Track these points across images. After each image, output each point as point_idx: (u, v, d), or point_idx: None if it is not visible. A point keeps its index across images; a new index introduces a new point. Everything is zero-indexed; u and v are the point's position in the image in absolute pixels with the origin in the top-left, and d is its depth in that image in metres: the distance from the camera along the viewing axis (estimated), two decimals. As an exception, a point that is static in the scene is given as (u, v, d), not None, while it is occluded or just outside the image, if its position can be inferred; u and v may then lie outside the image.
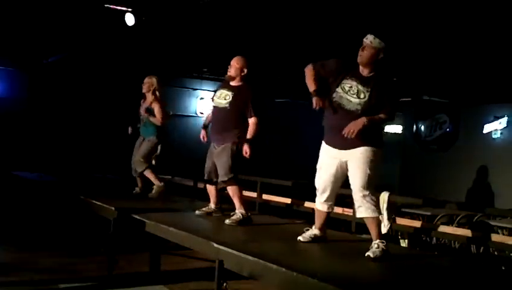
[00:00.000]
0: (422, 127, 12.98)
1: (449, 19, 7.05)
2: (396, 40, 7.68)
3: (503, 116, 11.28)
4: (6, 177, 9.67)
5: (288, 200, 7.88)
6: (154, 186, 7.17)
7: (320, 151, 4.56)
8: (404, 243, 6.84)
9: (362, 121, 4.14)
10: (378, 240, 4.18)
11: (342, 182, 4.49)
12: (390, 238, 6.12)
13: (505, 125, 11.28)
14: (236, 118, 5.54)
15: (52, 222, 8.34)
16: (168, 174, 9.95)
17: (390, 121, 4.35)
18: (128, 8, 7.84)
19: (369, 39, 4.23)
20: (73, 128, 11.22)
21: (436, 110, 12.60)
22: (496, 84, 9.88)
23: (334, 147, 4.40)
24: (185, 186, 9.56)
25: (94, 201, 6.73)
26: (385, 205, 4.67)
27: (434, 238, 6.90)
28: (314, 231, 4.66)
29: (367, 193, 4.21)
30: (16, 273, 6.05)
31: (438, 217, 7.08)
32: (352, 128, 4.15)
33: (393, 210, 4.63)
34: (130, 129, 7.48)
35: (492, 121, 11.46)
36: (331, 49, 8.96)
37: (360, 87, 4.25)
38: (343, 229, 6.39)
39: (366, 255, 4.07)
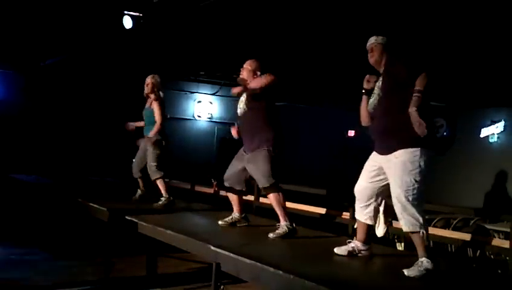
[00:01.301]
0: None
1: (446, 24, 7.08)
2: (393, 44, 7.72)
3: (500, 120, 11.32)
4: (4, 180, 9.66)
5: (287, 204, 7.87)
6: (162, 198, 7.04)
7: (369, 157, 4.22)
8: (400, 247, 6.86)
9: (413, 110, 3.71)
10: (424, 258, 3.73)
11: (385, 190, 4.07)
12: (387, 241, 6.14)
13: (502, 129, 11.32)
14: (260, 120, 5.20)
15: (50, 224, 8.34)
16: (165, 177, 9.95)
17: (427, 82, 3.78)
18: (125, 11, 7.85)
19: (372, 40, 4.17)
20: (71, 131, 11.21)
21: (433, 114, 12.62)
22: (492, 88, 9.91)
23: (377, 152, 4.09)
24: (182, 189, 9.57)
25: (89, 203, 6.73)
26: (382, 209, 4.49)
27: (431, 242, 6.91)
28: (354, 243, 4.28)
29: (406, 204, 3.75)
30: (13, 275, 6.04)
31: (435, 220, 7.10)
32: (417, 121, 3.70)
33: (390, 214, 4.54)
34: (130, 125, 7.34)
35: (489, 125, 11.49)
36: (328, 53, 9.01)
37: (378, 83, 4.13)
38: (341, 233, 6.39)
39: (402, 271, 3.72)
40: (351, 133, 14.10)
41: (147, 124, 7.19)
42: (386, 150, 3.93)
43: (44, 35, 9.30)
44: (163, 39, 9.17)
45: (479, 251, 6.47)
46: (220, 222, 5.56)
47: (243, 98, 5.35)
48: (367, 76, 4.13)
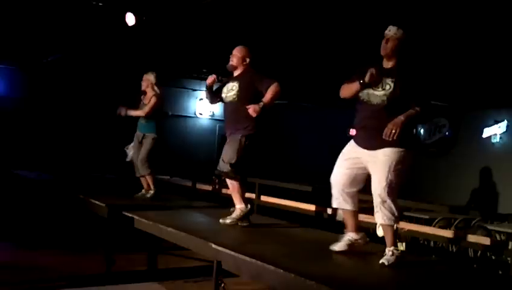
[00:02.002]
0: (422, 131, 12.98)
1: (449, 24, 7.06)
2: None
3: (503, 121, 11.30)
4: (6, 176, 9.67)
5: (286, 202, 7.89)
6: (151, 191, 7.10)
7: (345, 148, 4.32)
8: (402, 247, 6.84)
9: (400, 119, 3.90)
10: (392, 247, 4.03)
11: (361, 180, 4.22)
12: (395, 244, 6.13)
13: (505, 129, 11.30)
14: (246, 111, 5.19)
15: (51, 220, 8.35)
16: (166, 175, 9.96)
17: (425, 114, 4.04)
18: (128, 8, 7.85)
19: (392, 31, 4.11)
20: (73, 128, 11.22)
21: (436, 114, 12.60)
22: (495, 88, 9.88)
23: (359, 145, 4.18)
24: (184, 186, 9.57)
25: (89, 199, 6.75)
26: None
27: (432, 242, 6.91)
28: (348, 235, 4.35)
29: (386, 199, 3.96)
30: (14, 271, 6.05)
31: (436, 220, 7.10)
32: (392, 128, 3.89)
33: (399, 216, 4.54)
34: (122, 110, 7.28)
35: (492, 125, 11.47)
36: (330, 51, 9.00)
37: (384, 79, 4.07)
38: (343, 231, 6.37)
39: (380, 262, 3.95)
40: (353, 131, 14.05)
41: (144, 120, 7.20)
42: (374, 147, 4.06)
43: (46, 31, 9.30)
44: (165, 36, 9.16)
45: (480, 252, 6.47)
46: (220, 221, 5.51)
47: (234, 86, 5.42)
48: (372, 70, 4.06)
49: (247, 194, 7.87)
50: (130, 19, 7.94)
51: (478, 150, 11.61)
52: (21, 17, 8.66)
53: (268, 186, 8.68)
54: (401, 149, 3.98)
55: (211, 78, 5.60)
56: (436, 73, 9.49)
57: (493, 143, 11.48)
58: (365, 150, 4.13)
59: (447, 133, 12.41)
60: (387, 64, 4.16)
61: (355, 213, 4.34)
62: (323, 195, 7.59)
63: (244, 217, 5.36)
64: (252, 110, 5.11)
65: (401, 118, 3.92)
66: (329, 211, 6.85)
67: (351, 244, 4.31)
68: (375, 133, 4.01)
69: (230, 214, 5.42)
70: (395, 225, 4.06)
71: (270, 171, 12.18)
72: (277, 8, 7.32)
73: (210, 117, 13.53)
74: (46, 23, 8.89)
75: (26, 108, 11.06)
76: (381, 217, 4.01)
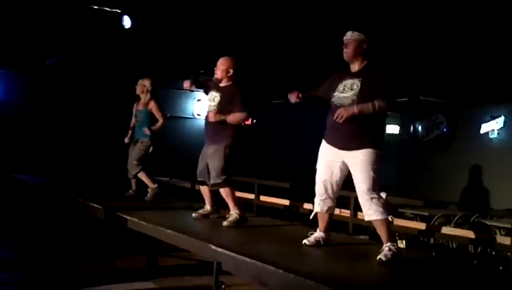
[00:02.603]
0: (420, 128, 12.98)
1: (445, 20, 7.06)
2: (393, 41, 7.72)
3: (500, 116, 11.28)
4: (5, 180, 9.66)
5: (286, 202, 7.89)
6: (149, 189, 7.20)
7: (320, 151, 4.53)
8: (401, 244, 6.86)
9: (353, 107, 4.14)
10: (389, 243, 4.13)
11: (341, 183, 4.46)
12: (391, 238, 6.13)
13: (502, 125, 11.28)
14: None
15: (50, 224, 8.34)
16: (165, 176, 9.96)
17: (386, 108, 4.19)
18: (124, 11, 7.86)
19: (348, 34, 4.33)
20: (71, 131, 11.22)
21: (433, 111, 12.60)
22: (492, 84, 9.89)
23: (334, 146, 4.37)
24: (182, 188, 9.57)
25: (87, 202, 6.78)
26: None
27: (432, 239, 6.92)
28: (318, 233, 4.60)
29: (374, 195, 4.16)
30: (13, 274, 6.05)
31: (436, 217, 7.10)
32: (342, 112, 4.12)
33: (391, 211, 4.58)
34: (127, 140, 7.47)
35: (489, 121, 11.46)
36: (328, 51, 8.99)
37: (352, 81, 4.28)
38: (341, 230, 6.39)
39: (377, 258, 4.02)
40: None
41: (140, 125, 7.26)
42: (352, 148, 4.24)
43: (44, 35, 9.30)
44: (162, 38, 9.17)
45: (480, 248, 6.48)
46: (193, 215, 5.92)
47: (216, 97, 5.60)
48: (290, 95, 4.70)
49: (247, 195, 7.96)
50: (127, 21, 7.96)
51: (476, 146, 11.59)
52: (18, 21, 8.66)
53: (267, 186, 8.68)
54: (376, 150, 4.21)
55: (187, 83, 5.81)
56: (433, 70, 9.52)
57: (491, 139, 11.47)
58: (343, 151, 4.31)
59: (444, 130, 12.39)
60: (354, 67, 4.36)
61: (329, 216, 4.59)
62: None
63: (240, 221, 5.52)
64: (212, 114, 5.48)
65: (355, 106, 4.14)
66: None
67: (319, 241, 4.55)
68: (351, 134, 4.24)
69: (227, 218, 5.57)
70: (388, 218, 4.18)
71: (270, 171, 12.21)
72: (272, 8, 7.32)
73: (208, 118, 13.51)
74: (44, 27, 8.89)
75: (24, 112, 11.05)
76: (373, 213, 4.17)
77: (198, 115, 13.39)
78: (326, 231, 4.60)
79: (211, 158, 5.57)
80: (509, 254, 5.80)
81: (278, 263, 3.75)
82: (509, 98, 10.64)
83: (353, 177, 4.29)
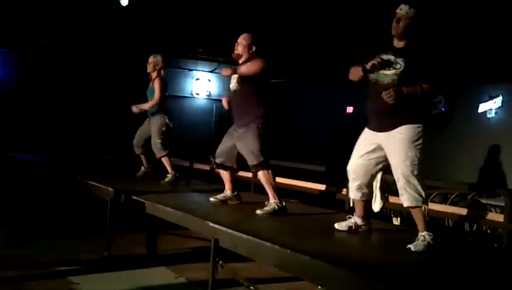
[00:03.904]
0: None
1: (443, 1, 7.05)
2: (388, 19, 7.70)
3: (498, 96, 11.32)
4: (3, 159, 9.69)
5: (282, 180, 7.91)
6: (169, 175, 7.10)
7: (361, 137, 4.25)
8: (396, 221, 6.91)
9: (401, 88, 3.83)
10: (425, 232, 3.85)
11: (379, 169, 4.20)
12: (383, 217, 6.20)
13: (500, 104, 11.32)
14: (252, 97, 5.16)
15: (50, 203, 8.39)
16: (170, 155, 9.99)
17: (435, 91, 3.98)
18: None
19: (403, 9, 3.99)
20: (69, 110, 11.22)
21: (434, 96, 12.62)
22: (490, 63, 9.89)
23: (374, 130, 4.10)
24: (181, 167, 9.59)
25: (92, 182, 6.79)
26: (378, 185, 4.51)
27: (427, 217, 6.96)
28: (354, 219, 4.37)
29: (410, 179, 3.83)
30: (15, 253, 6.10)
31: (432, 195, 7.14)
32: (391, 91, 3.80)
33: (387, 189, 4.59)
34: (135, 108, 7.07)
35: (487, 101, 11.49)
36: (328, 29, 8.99)
37: (395, 59, 3.96)
38: (338, 209, 6.43)
39: (407, 247, 3.78)
40: (350, 109, 14.11)
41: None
42: (388, 127, 3.97)
43: (40, 13, 9.26)
44: (160, 16, 9.14)
45: (475, 226, 6.53)
46: (211, 199, 5.60)
47: (235, 76, 5.28)
48: (376, 61, 3.95)
49: (245, 174, 7.97)
50: (124, -1, 7.92)
51: (474, 126, 11.65)
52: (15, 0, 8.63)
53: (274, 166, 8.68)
54: (416, 125, 3.91)
55: (227, 71, 5.28)
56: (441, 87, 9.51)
57: (489, 118, 11.51)
58: (380, 134, 4.05)
59: (442, 109, 12.42)
60: (399, 44, 4.06)
61: (366, 203, 4.35)
62: (322, 173, 7.69)
63: (278, 213, 5.05)
64: (224, 70, 5.16)
65: (404, 88, 3.84)
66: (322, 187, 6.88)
67: (352, 228, 4.34)
68: (388, 113, 3.95)
69: (263, 207, 5.13)
70: (423, 207, 3.89)
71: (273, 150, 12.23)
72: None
73: (207, 97, 13.53)
74: (40, 5, 8.85)
75: (22, 91, 11.04)
76: (407, 199, 3.88)
77: (197, 94, 13.39)
78: (364, 217, 4.37)
79: (242, 141, 5.18)
80: (503, 231, 5.86)
81: (274, 240, 3.79)
82: (508, 78, 10.65)
83: (389, 160, 4.00)
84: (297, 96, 13.80)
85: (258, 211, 5.01)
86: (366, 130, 4.19)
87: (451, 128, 12.14)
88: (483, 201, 6.76)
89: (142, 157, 7.31)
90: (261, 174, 5.14)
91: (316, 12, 8.16)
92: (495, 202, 6.69)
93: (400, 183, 3.88)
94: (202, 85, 13.43)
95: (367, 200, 4.33)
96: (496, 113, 11.38)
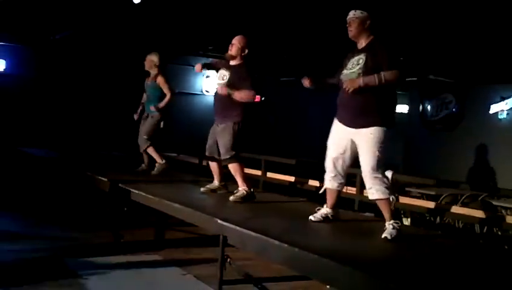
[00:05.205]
0: (429, 107, 12.94)
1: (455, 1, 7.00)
2: (403, 20, 7.66)
3: (510, 97, 11.23)
4: (13, 153, 9.74)
5: (291, 178, 7.92)
6: (157, 164, 7.24)
7: (331, 128, 4.57)
8: (407, 222, 6.89)
9: (359, 79, 4.19)
10: (392, 221, 4.17)
11: (352, 160, 4.47)
12: (393, 216, 6.16)
13: (511, 106, 11.24)
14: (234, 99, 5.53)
15: (59, 197, 8.43)
16: (173, 152, 10.00)
17: (395, 80, 4.17)
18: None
19: (351, 14, 4.38)
20: (80, 105, 11.25)
21: (442, 90, 12.55)
22: (502, 64, 9.82)
23: (344, 123, 4.41)
24: (190, 163, 9.62)
25: (96, 176, 6.84)
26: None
27: (438, 218, 6.94)
28: (325, 210, 4.63)
29: (378, 174, 4.19)
30: (23, 247, 6.13)
31: (442, 196, 7.11)
32: (347, 84, 4.21)
33: (396, 189, 4.63)
34: (136, 116, 7.49)
35: (499, 102, 11.41)
36: (338, 27, 8.93)
37: (358, 57, 4.32)
38: (347, 207, 6.42)
39: (382, 237, 4.05)
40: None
41: (149, 99, 7.28)
42: (359, 125, 4.28)
43: (54, 9, 9.28)
44: (171, 13, 9.13)
45: (486, 227, 6.49)
46: (201, 189, 5.98)
47: (225, 76, 5.61)
48: (304, 81, 4.65)
49: (254, 171, 7.98)
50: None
51: (485, 126, 11.56)
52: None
53: (274, 163, 8.71)
54: (385, 128, 4.23)
55: (198, 67, 5.92)
56: (443, 49, 9.45)
57: (500, 119, 11.43)
58: (352, 129, 4.34)
59: (453, 110, 12.36)
60: (361, 44, 4.40)
61: (338, 192, 4.62)
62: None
63: (247, 198, 5.52)
64: (221, 87, 5.52)
65: (360, 79, 4.17)
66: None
67: (326, 217, 4.60)
68: (359, 111, 4.26)
69: (234, 193, 5.60)
70: (390, 197, 4.23)
71: (277, 148, 12.21)
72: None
73: (216, 94, 13.51)
74: (54, 2, 8.87)
75: (34, 86, 11.09)
76: (375, 193, 4.23)
77: (207, 91, 13.37)
78: (333, 207, 4.64)
79: (221, 135, 5.63)
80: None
81: (282, 238, 3.79)
82: (520, 79, 10.57)
83: (359, 155, 4.32)
84: (307, 94, 13.74)
85: (231, 198, 5.49)
86: (337, 123, 4.50)
87: (462, 129, 12.07)
88: (494, 203, 6.72)
89: (144, 157, 7.43)
90: (230, 166, 5.63)
91: (329, 11, 8.12)
92: (506, 203, 6.65)
93: (367, 179, 4.25)
94: (212, 82, 13.40)
95: (339, 190, 4.62)
96: (507, 114, 11.29)
